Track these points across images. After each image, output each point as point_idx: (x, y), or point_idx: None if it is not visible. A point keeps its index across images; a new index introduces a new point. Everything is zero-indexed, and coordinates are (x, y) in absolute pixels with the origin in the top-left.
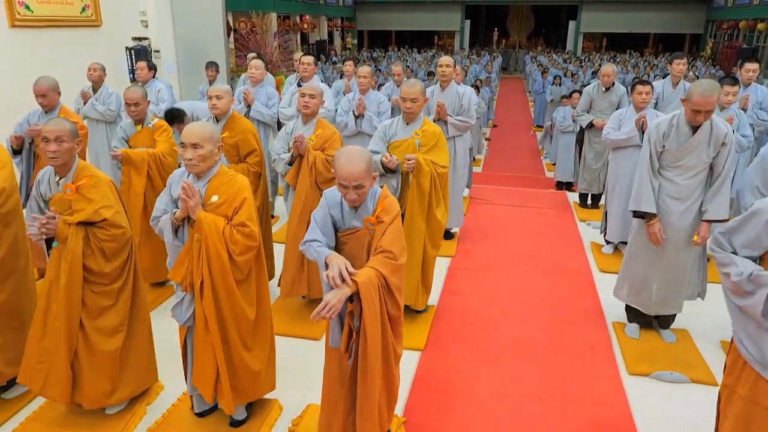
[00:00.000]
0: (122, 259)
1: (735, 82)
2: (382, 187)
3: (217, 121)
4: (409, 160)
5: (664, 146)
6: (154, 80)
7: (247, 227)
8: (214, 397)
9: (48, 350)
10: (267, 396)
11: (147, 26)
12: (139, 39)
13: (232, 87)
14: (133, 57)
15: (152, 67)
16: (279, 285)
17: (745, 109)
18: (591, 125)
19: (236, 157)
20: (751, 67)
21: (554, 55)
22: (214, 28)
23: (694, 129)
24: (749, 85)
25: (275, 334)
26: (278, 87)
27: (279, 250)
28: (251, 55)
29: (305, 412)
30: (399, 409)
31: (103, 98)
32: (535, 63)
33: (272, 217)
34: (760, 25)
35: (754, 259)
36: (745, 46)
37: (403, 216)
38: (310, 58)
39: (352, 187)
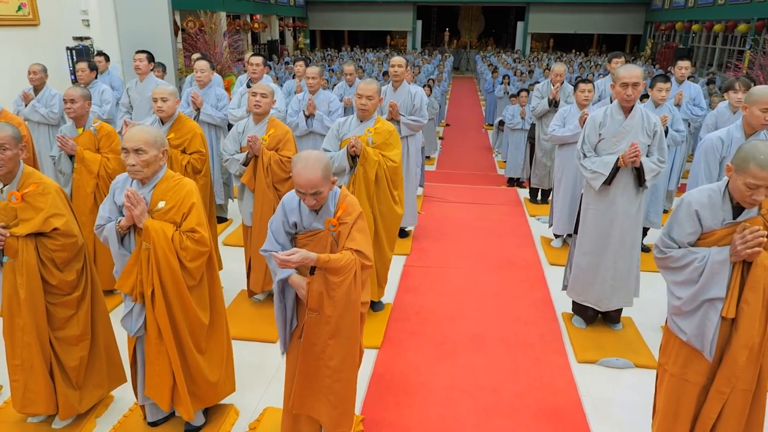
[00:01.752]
0: (77, 269)
1: (667, 79)
2: (340, 186)
3: (163, 124)
4: (353, 145)
5: (600, 134)
6: (96, 81)
7: (198, 233)
8: (170, 405)
9: (21, 366)
10: (223, 401)
11: (89, 25)
12: (81, 39)
13: (180, 88)
14: (75, 57)
15: (94, 68)
16: (249, 286)
17: (679, 105)
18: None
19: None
20: (684, 65)
21: (504, 55)
22: (161, 28)
23: (626, 115)
24: (683, 82)
25: (231, 337)
26: (228, 88)
27: (232, 254)
28: (195, 56)
29: (262, 416)
30: (357, 407)
31: (46, 100)
32: (486, 63)
33: (225, 220)
34: (695, 27)
35: (692, 244)
36: (681, 46)
37: None
38: (258, 59)
39: (310, 194)
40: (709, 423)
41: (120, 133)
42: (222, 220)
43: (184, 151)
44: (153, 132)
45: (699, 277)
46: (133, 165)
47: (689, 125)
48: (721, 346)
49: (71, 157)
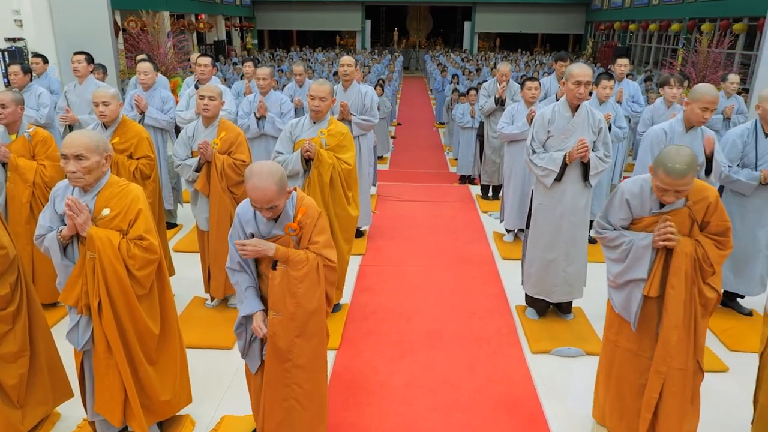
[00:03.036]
0: (10, 282)
1: (611, 77)
2: (295, 189)
3: (106, 128)
4: (308, 149)
5: (549, 132)
6: (32, 84)
7: (146, 240)
8: (123, 421)
9: None
10: (179, 412)
11: (22, 26)
12: (13, 40)
13: (122, 91)
14: (7, 59)
15: (28, 71)
16: (208, 291)
17: (620, 102)
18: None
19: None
20: (623, 63)
21: (452, 55)
22: (100, 28)
23: (573, 113)
24: (622, 79)
25: (185, 346)
26: (174, 90)
27: (184, 259)
28: (140, 57)
29: (220, 424)
30: None
31: None
32: (435, 62)
33: (175, 225)
34: (632, 26)
35: (626, 228)
36: (620, 45)
37: None
38: (207, 59)
39: (266, 208)
40: (653, 402)
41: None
42: (172, 225)
43: (130, 156)
44: (94, 137)
45: (626, 258)
46: (74, 172)
47: (629, 121)
48: (656, 328)
49: (4, 165)
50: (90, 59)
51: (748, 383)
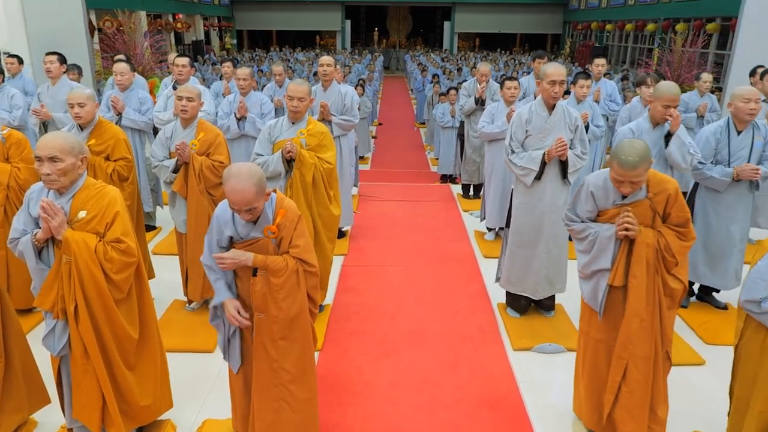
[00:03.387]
0: None
1: (588, 76)
2: (275, 191)
3: (82, 130)
4: (290, 150)
5: (527, 131)
6: (5, 85)
7: (123, 243)
8: (101, 427)
9: None
10: (160, 417)
11: None
12: None
13: (98, 92)
14: None
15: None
16: (187, 295)
17: (597, 101)
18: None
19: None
20: (600, 62)
21: (432, 54)
22: (75, 28)
23: (550, 111)
24: (600, 79)
25: (165, 350)
26: (152, 90)
27: (164, 262)
28: (117, 57)
29: (201, 429)
30: None
31: None
32: (415, 62)
33: (154, 228)
34: (609, 26)
35: (592, 219)
36: (597, 44)
37: None
38: (184, 60)
39: (245, 210)
40: (615, 386)
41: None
42: (151, 228)
43: (107, 158)
44: (69, 138)
45: (592, 248)
46: (48, 174)
47: (607, 120)
48: (619, 315)
49: None
50: (63, 59)
51: (725, 376)
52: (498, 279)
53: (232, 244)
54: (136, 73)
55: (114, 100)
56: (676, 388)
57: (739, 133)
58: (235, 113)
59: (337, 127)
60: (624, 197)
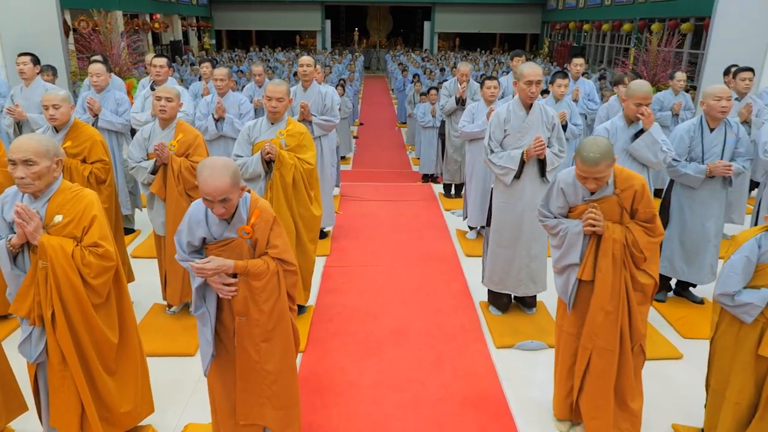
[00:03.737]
0: None
1: (565, 75)
2: (249, 191)
3: (57, 132)
4: (269, 151)
5: (505, 130)
6: None
7: (101, 247)
8: None
9: None
10: (141, 422)
11: None
12: None
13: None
14: None
15: None
16: (165, 299)
17: (576, 101)
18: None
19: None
20: (578, 62)
21: (413, 54)
22: (49, 28)
23: (527, 111)
24: (578, 78)
25: (146, 354)
26: (129, 91)
27: (143, 265)
28: (94, 58)
29: None
30: None
31: None
32: (396, 62)
33: (133, 231)
34: (586, 26)
35: (564, 215)
36: (575, 44)
37: None
38: (162, 60)
39: (218, 201)
40: (579, 374)
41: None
42: (130, 231)
43: (84, 161)
44: (44, 141)
45: (563, 244)
46: (23, 178)
47: (586, 118)
48: (588, 309)
49: None
50: (36, 60)
51: (702, 369)
52: (484, 279)
53: (205, 245)
54: (113, 74)
55: (90, 101)
56: (655, 382)
57: (711, 130)
58: (212, 114)
59: (317, 127)
60: (592, 193)
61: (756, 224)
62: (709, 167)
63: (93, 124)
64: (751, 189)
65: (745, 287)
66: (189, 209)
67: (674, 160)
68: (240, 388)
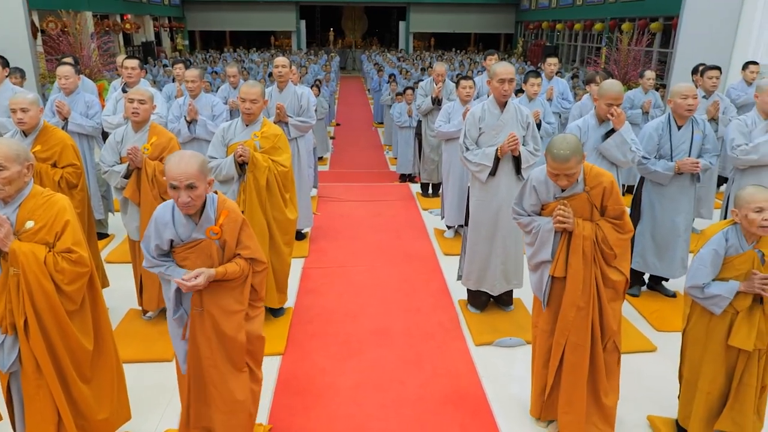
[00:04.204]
0: None
1: (538, 75)
2: (216, 192)
3: (26, 136)
4: (241, 154)
5: (480, 128)
6: None
7: (75, 253)
8: None
9: None
10: (118, 430)
11: None
12: None
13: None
14: None
15: None
16: (141, 304)
17: (551, 99)
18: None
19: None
20: (552, 61)
21: (388, 54)
22: (16, 29)
23: (502, 109)
24: (552, 77)
25: (122, 361)
26: (101, 93)
27: (118, 271)
28: (65, 60)
29: None
30: (264, 417)
31: None
32: (372, 62)
33: (106, 236)
34: (559, 26)
35: (537, 213)
36: (548, 44)
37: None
38: (134, 62)
39: (184, 186)
40: (553, 370)
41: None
42: (103, 235)
43: (54, 165)
44: (14, 145)
45: (535, 241)
46: None
47: (560, 117)
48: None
49: None
50: (5, 62)
51: (676, 360)
52: (459, 277)
53: (172, 248)
54: (83, 77)
55: (59, 104)
56: (630, 375)
57: (679, 128)
58: (185, 116)
59: (293, 128)
60: (563, 191)
61: (725, 219)
62: (677, 164)
63: (63, 128)
64: (719, 184)
65: (714, 279)
66: (154, 213)
67: (644, 158)
68: (193, 391)
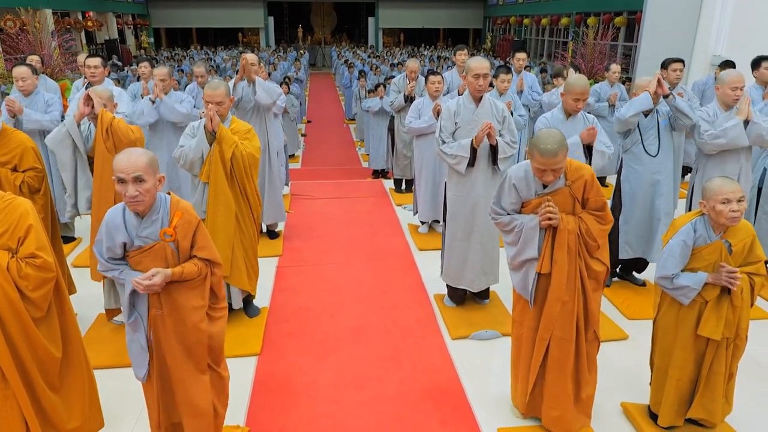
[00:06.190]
0: None
1: (509, 70)
2: (169, 193)
3: None
4: (211, 117)
5: (456, 123)
6: None
7: (39, 258)
8: None
9: None
10: None
11: None
12: None
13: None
14: None
15: None
16: (109, 305)
17: (522, 91)
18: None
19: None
20: (521, 56)
21: (358, 51)
22: None
23: (477, 104)
24: (521, 72)
25: (94, 367)
26: (63, 93)
27: (85, 275)
28: (33, 57)
29: None
30: (241, 419)
31: None
32: (342, 58)
33: (73, 239)
34: (526, 21)
35: (518, 211)
36: (516, 38)
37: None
38: (96, 60)
39: (132, 179)
40: (536, 366)
41: None
42: (69, 239)
43: (15, 169)
44: None
45: (519, 240)
46: None
47: (529, 110)
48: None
49: None
50: None
51: (647, 348)
52: (442, 273)
53: (126, 252)
54: (45, 76)
55: (9, 102)
56: (603, 363)
57: (646, 116)
58: (149, 98)
59: (260, 89)
60: (545, 187)
61: (690, 209)
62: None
63: (15, 126)
64: (684, 174)
65: (683, 270)
66: (105, 216)
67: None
68: (161, 391)
